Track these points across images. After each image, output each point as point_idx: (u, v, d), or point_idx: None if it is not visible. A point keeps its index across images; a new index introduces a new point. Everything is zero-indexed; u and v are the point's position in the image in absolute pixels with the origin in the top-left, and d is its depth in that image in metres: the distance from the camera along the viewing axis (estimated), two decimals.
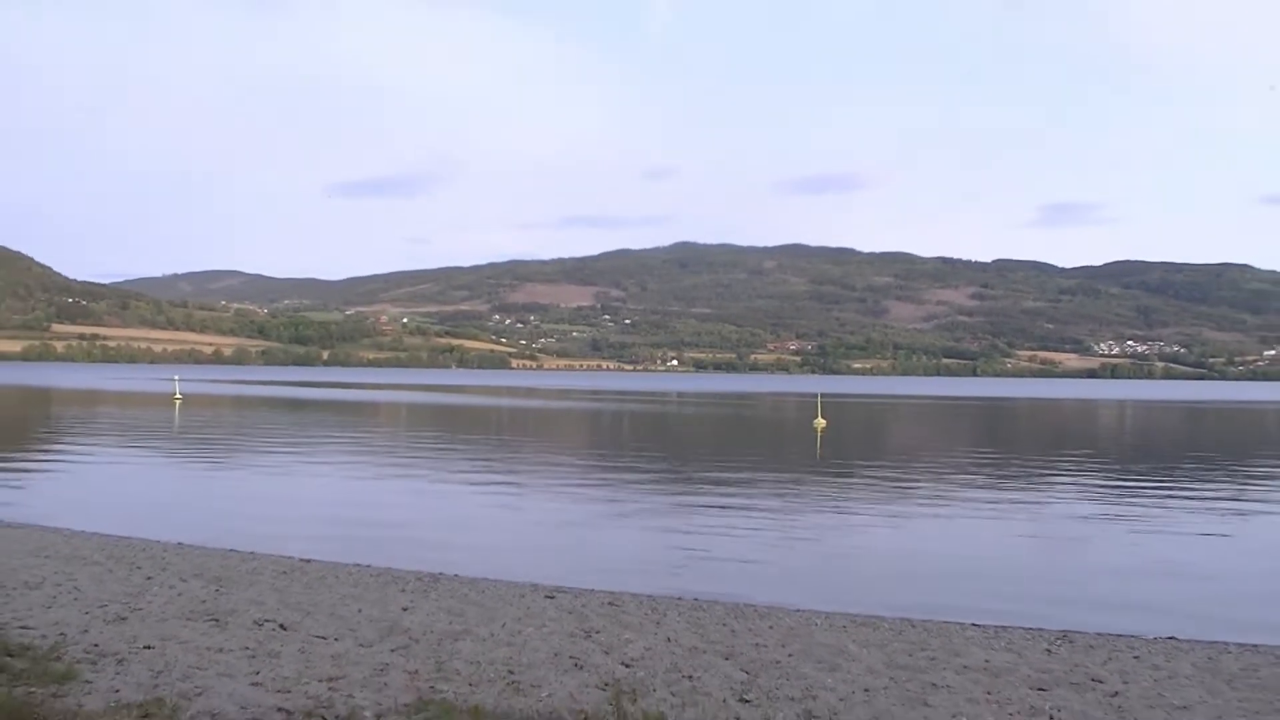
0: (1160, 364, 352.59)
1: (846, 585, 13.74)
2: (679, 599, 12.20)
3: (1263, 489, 27.78)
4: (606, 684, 7.92)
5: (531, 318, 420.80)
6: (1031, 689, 8.38)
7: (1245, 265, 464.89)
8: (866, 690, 8.18)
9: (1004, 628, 11.01)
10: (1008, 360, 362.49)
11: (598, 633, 9.98)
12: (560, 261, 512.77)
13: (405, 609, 10.83)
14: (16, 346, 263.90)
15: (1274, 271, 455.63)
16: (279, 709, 7.00)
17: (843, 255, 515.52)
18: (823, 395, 72.55)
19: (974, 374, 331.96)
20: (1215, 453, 41.79)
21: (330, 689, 7.56)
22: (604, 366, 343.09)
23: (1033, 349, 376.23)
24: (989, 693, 8.23)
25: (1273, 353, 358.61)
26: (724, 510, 21.25)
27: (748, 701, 7.70)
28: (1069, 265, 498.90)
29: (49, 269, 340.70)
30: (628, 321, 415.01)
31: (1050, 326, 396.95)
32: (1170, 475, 30.81)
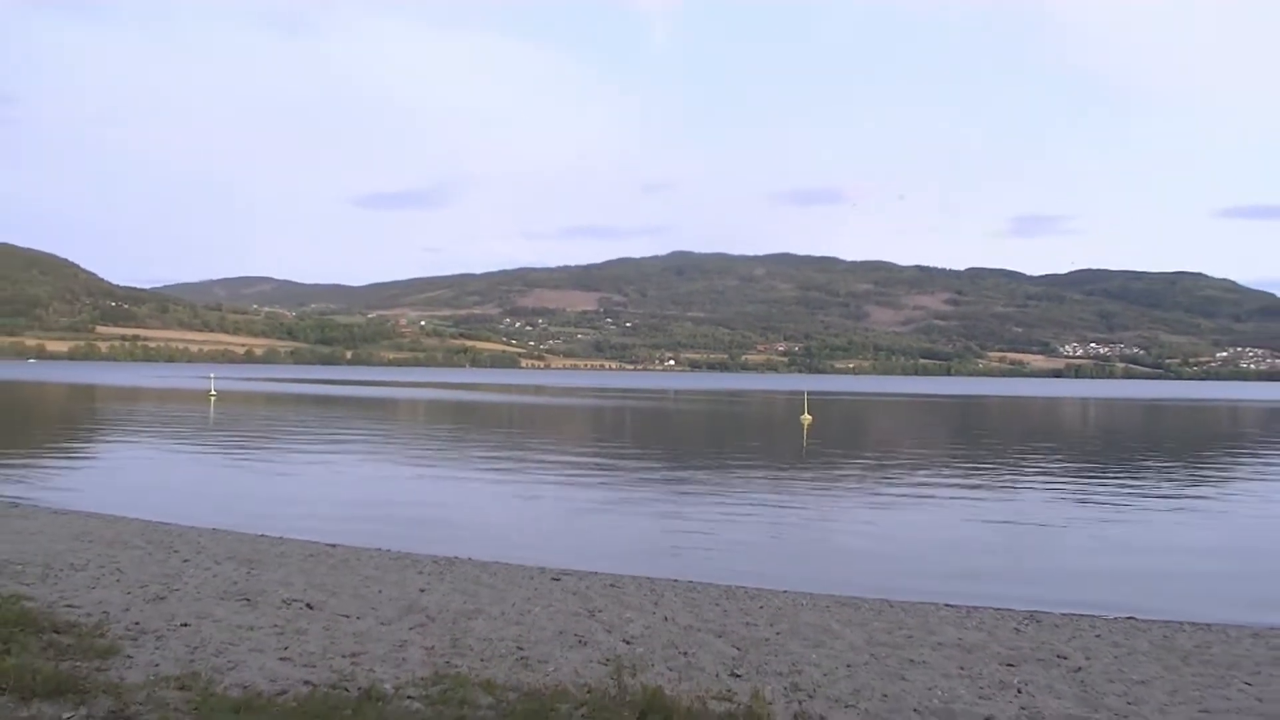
0: (1120, 365, 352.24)
1: (830, 568, 13.72)
2: (675, 581, 12.19)
3: (1215, 480, 27.78)
4: (608, 659, 7.91)
5: (539, 321, 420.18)
6: (1001, 664, 8.38)
7: (1199, 274, 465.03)
8: (849, 665, 8.17)
9: (975, 608, 11.00)
10: (979, 361, 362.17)
11: (600, 612, 9.97)
12: (566, 269, 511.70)
13: (423, 590, 10.82)
14: (64, 347, 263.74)
15: (1226, 280, 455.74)
16: (305, 682, 6.99)
17: (827, 264, 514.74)
18: (809, 393, 72.51)
19: (948, 373, 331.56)
20: (1172, 446, 41.78)
21: (353, 663, 7.55)
22: (607, 366, 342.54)
23: (1003, 350, 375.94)
24: (962, 668, 8.22)
25: (1224, 354, 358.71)
26: (717, 498, 21.25)
27: (739, 676, 7.70)
28: (1036, 273, 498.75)
29: (94, 275, 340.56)
30: (628, 324, 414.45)
31: (1019, 330, 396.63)
32: (1130, 467, 30.80)
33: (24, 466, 24.54)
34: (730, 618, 9.93)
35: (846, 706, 7.02)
